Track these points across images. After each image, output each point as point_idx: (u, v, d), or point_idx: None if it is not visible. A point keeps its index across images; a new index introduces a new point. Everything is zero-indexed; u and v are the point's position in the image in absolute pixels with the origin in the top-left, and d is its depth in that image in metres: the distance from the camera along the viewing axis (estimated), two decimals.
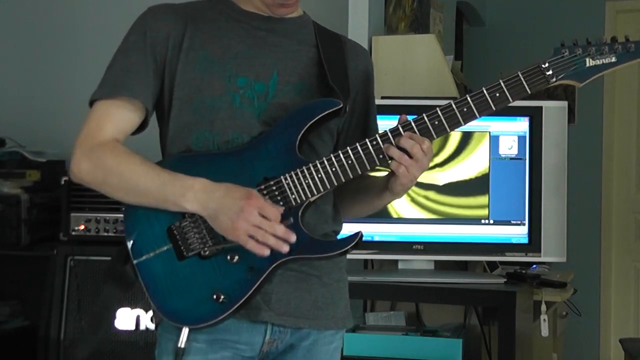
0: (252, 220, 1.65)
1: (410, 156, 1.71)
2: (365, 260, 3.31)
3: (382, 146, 1.73)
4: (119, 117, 1.78)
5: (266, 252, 1.67)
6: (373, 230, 2.99)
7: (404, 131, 1.74)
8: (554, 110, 2.99)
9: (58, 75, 4.23)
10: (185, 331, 1.73)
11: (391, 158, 1.73)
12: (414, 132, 1.74)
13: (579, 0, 5.40)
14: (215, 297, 1.70)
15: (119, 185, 1.75)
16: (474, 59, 5.28)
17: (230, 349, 1.79)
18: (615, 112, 5.40)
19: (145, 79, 1.78)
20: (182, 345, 1.73)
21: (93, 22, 4.21)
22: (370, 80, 1.95)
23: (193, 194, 1.69)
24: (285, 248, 1.68)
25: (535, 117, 2.96)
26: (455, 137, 2.97)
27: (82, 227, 3.47)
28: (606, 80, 5.36)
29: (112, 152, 1.75)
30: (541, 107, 2.97)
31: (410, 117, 1.77)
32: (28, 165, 3.74)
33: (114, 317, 3.29)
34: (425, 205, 2.98)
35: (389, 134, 1.74)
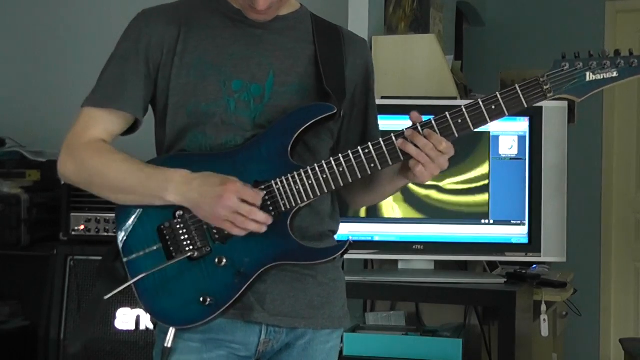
0: (231, 206, 1.65)
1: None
2: (365, 260, 3.30)
3: (374, 155, 1.71)
4: (105, 123, 1.79)
5: (242, 232, 1.67)
6: (373, 230, 2.99)
7: (422, 129, 1.71)
8: (554, 110, 2.99)
9: (58, 75, 4.23)
10: (171, 331, 1.74)
11: (407, 156, 1.71)
12: (422, 132, 1.71)
13: (579, 0, 5.40)
14: (202, 299, 1.71)
15: (104, 184, 1.76)
16: (474, 59, 5.28)
17: (225, 348, 1.79)
18: (615, 112, 5.39)
19: (136, 88, 1.79)
20: (169, 345, 1.74)
21: (93, 22, 4.21)
22: (369, 74, 1.92)
23: (174, 186, 1.69)
24: (263, 229, 1.67)
25: (535, 117, 2.96)
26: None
27: (82, 227, 3.47)
28: None
29: (95, 152, 1.75)
30: (541, 107, 2.96)
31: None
32: (28, 165, 3.74)
33: (115, 317, 3.29)
34: (426, 205, 2.98)
35: (393, 137, 1.72)
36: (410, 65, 3.46)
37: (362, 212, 3.00)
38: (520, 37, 5.38)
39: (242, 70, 1.78)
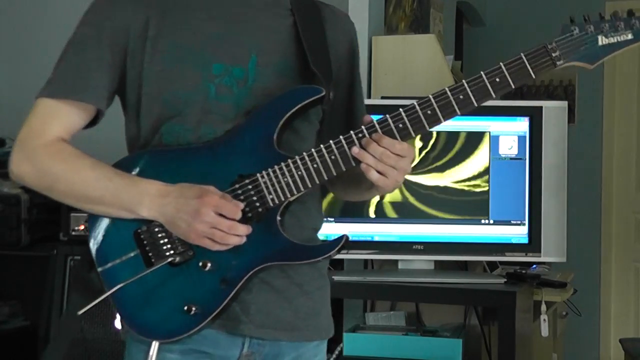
0: (209, 221, 1.51)
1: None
2: (365, 260, 3.30)
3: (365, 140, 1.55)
4: (65, 117, 1.63)
5: (223, 248, 1.53)
6: (373, 230, 2.99)
7: (373, 132, 1.54)
8: (554, 110, 2.99)
9: None
10: (155, 345, 1.58)
11: (360, 162, 1.55)
12: (393, 133, 1.56)
13: (579, 0, 5.40)
14: (186, 308, 1.55)
15: (68, 192, 1.61)
16: (474, 59, 5.28)
17: None
18: (615, 112, 5.40)
19: (98, 77, 1.62)
20: None
21: None
22: (353, 51, 1.76)
23: (149, 200, 1.54)
24: (243, 240, 1.54)
25: (535, 117, 2.96)
26: (455, 137, 2.97)
27: (82, 227, 3.46)
28: (606, 80, 5.36)
29: (58, 155, 1.60)
30: (541, 107, 2.97)
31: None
32: None
33: (114, 317, 3.29)
34: (426, 205, 2.98)
35: (365, 131, 1.56)
36: (410, 65, 3.46)
37: (362, 212, 3.00)
38: (520, 37, 5.38)
39: (222, 53, 1.61)
